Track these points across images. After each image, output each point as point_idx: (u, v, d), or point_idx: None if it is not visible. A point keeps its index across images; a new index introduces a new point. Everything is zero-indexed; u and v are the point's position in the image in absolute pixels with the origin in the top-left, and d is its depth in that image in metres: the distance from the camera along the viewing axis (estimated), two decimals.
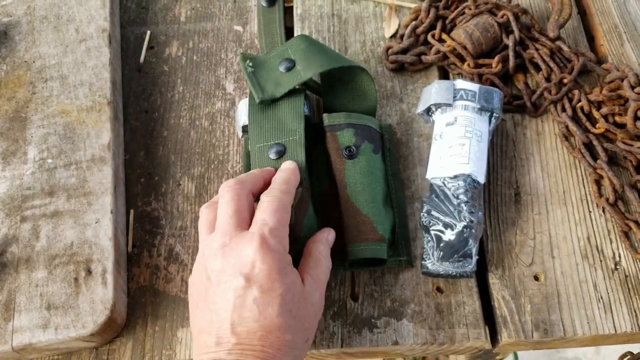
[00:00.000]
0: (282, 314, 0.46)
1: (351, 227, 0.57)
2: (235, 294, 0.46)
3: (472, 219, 0.57)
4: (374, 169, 0.60)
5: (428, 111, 0.65)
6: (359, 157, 0.60)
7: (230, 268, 0.47)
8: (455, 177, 0.59)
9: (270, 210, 0.50)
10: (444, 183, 0.60)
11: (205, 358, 0.46)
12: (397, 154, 0.66)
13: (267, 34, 0.71)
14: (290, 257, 0.50)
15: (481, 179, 0.60)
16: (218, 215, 0.51)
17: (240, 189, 0.51)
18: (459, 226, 0.57)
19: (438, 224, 0.58)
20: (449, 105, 0.63)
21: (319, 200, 0.60)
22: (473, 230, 0.57)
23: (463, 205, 0.58)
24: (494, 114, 0.63)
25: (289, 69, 0.62)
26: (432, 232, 0.58)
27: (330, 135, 0.61)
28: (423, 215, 0.59)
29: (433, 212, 0.59)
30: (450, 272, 0.57)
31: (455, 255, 0.57)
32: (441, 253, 0.57)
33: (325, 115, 0.62)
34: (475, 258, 0.57)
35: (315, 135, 0.63)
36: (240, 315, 0.46)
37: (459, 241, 0.57)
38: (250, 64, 0.64)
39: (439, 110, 0.64)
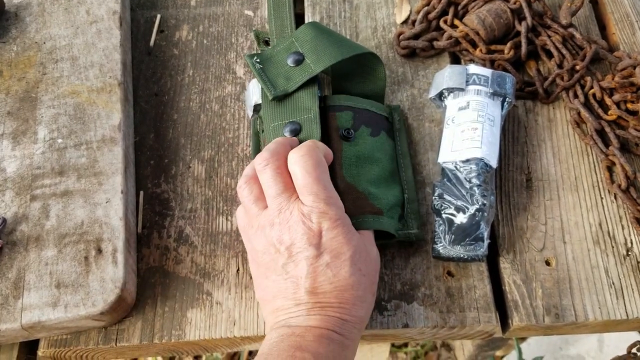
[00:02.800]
0: (353, 273, 0.50)
1: (347, 202, 0.56)
2: (308, 263, 0.50)
3: (485, 202, 0.57)
4: (371, 151, 0.60)
5: (440, 96, 0.65)
6: (355, 140, 0.59)
7: (299, 241, 0.50)
8: (468, 161, 0.59)
9: (312, 178, 0.51)
10: (456, 167, 0.59)
11: (285, 318, 0.50)
12: (407, 134, 0.66)
13: (277, 19, 0.71)
14: (349, 218, 0.53)
15: (494, 163, 0.59)
16: (268, 191, 0.52)
17: (277, 160, 0.53)
18: (472, 209, 0.57)
19: (450, 207, 0.58)
20: (462, 90, 0.63)
21: None
22: (485, 214, 0.57)
23: (475, 188, 0.58)
24: (507, 99, 0.63)
25: (298, 62, 0.62)
26: (444, 216, 0.58)
27: (331, 116, 0.61)
28: (435, 199, 0.59)
29: (445, 196, 0.58)
30: (461, 256, 0.57)
31: (467, 239, 0.57)
32: (453, 236, 0.57)
33: (327, 96, 0.62)
34: (487, 242, 0.57)
35: (322, 116, 0.62)
36: (315, 280, 0.49)
37: (470, 224, 0.57)
38: (258, 60, 0.63)
39: (452, 95, 0.64)
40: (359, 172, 0.58)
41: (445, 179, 0.60)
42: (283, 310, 0.50)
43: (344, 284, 0.50)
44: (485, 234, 0.57)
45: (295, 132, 0.58)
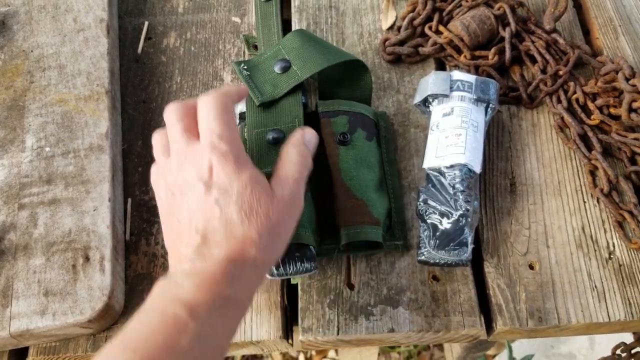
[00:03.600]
0: (241, 210, 0.47)
1: (346, 210, 0.57)
2: (199, 200, 0.47)
3: (468, 207, 0.58)
4: (367, 155, 0.61)
5: (425, 102, 0.65)
6: (352, 143, 0.60)
7: (190, 179, 0.48)
8: (452, 166, 0.60)
9: (212, 115, 0.49)
10: (440, 172, 0.60)
11: (185, 267, 0.46)
12: (393, 141, 0.67)
13: (264, 27, 0.71)
14: (247, 155, 0.50)
15: (477, 168, 0.60)
16: (170, 137, 0.52)
17: (184, 107, 0.52)
18: (455, 215, 0.57)
19: (434, 212, 0.59)
20: (446, 96, 0.64)
21: (315, 186, 0.61)
22: (469, 219, 0.58)
23: (459, 194, 0.58)
24: (490, 105, 0.64)
25: (285, 69, 0.63)
26: (429, 221, 0.59)
27: (324, 122, 0.61)
28: (419, 204, 0.60)
29: (429, 201, 0.59)
30: (446, 261, 0.58)
31: (451, 244, 0.57)
32: (437, 242, 0.58)
33: (320, 102, 0.62)
34: (470, 247, 0.58)
35: (310, 122, 0.63)
36: (205, 218, 0.47)
37: (455, 230, 0.57)
38: (245, 67, 0.64)
39: (436, 101, 0.64)
40: (358, 176, 0.59)
41: (429, 185, 0.60)
42: (182, 258, 0.47)
43: (231, 220, 0.46)
44: (469, 239, 0.58)
45: (278, 140, 0.58)
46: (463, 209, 0.57)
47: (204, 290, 0.43)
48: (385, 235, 0.59)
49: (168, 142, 0.52)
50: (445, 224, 0.58)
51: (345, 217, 0.57)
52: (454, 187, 0.59)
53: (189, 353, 0.39)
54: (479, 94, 0.63)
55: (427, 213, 0.59)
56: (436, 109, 0.64)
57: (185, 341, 0.38)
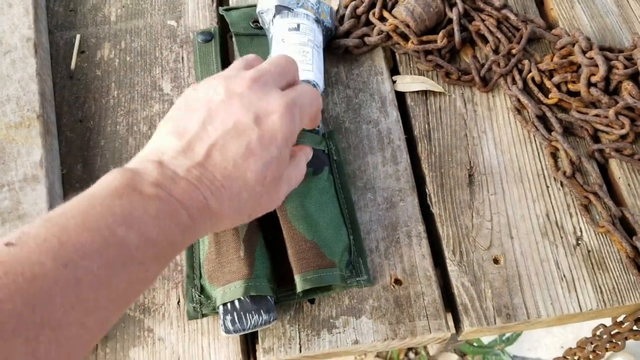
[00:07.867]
0: (258, 173, 0.43)
1: (298, 256, 0.54)
2: (236, 125, 0.43)
3: None
4: (314, 190, 0.57)
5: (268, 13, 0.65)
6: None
7: (247, 100, 0.44)
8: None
9: (305, 91, 0.47)
10: None
11: (158, 158, 0.42)
12: (345, 166, 0.63)
13: (202, 64, 0.68)
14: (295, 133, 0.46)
15: (321, 87, 0.61)
16: (265, 63, 0.48)
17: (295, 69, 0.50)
18: None
19: None
20: (290, 10, 0.63)
21: (268, 229, 0.58)
22: None
23: None
24: (325, 25, 0.65)
25: None
26: None
27: None
28: None
29: None
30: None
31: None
32: None
33: None
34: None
35: None
36: (225, 145, 0.42)
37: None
38: None
39: (279, 15, 0.63)
40: (306, 215, 0.55)
41: None
42: (165, 148, 0.43)
43: (243, 173, 0.44)
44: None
45: None
46: None
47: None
48: (345, 273, 0.56)
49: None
50: None
51: (299, 263, 0.54)
52: None
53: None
54: (318, 15, 0.64)
55: None
56: (280, 21, 0.63)
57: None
